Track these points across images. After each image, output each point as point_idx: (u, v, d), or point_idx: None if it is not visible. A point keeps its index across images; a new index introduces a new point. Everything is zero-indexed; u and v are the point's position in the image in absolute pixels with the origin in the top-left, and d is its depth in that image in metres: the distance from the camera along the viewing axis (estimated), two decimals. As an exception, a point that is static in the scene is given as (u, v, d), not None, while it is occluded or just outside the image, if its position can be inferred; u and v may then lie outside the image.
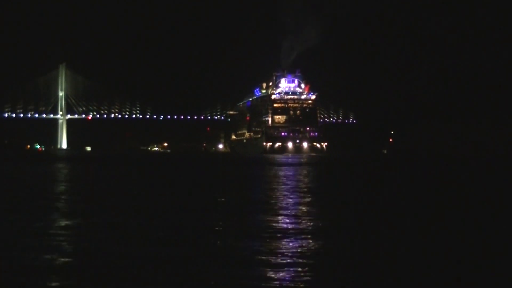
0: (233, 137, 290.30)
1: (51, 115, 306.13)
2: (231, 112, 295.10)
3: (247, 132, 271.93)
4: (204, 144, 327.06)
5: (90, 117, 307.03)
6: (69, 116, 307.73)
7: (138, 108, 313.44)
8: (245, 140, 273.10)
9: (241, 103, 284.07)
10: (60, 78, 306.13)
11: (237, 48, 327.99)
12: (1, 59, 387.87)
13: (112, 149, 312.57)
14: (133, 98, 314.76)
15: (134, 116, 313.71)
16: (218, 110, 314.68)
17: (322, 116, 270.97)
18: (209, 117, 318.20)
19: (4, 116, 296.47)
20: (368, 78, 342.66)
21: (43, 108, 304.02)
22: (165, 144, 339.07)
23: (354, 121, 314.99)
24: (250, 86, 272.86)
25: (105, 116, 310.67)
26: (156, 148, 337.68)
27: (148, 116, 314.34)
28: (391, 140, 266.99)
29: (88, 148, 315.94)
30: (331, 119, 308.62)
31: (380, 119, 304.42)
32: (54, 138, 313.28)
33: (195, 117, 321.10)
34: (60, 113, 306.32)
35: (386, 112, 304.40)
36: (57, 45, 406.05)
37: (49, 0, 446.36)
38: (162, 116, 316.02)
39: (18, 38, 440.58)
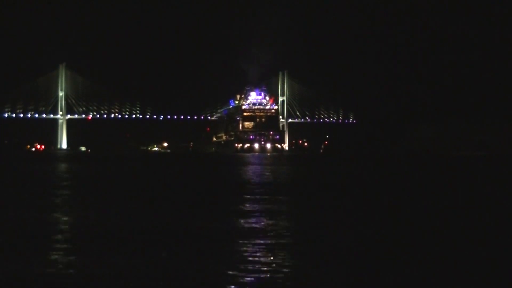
0: (214, 139, 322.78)
1: (51, 115, 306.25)
2: (212, 118, 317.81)
3: (224, 135, 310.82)
4: (191, 145, 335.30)
5: (90, 117, 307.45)
6: (69, 116, 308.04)
7: (138, 108, 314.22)
8: (222, 142, 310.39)
9: (219, 111, 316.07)
10: (60, 78, 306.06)
11: (229, 56, 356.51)
12: (1, 59, 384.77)
13: (112, 149, 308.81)
14: (133, 98, 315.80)
15: (134, 116, 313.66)
16: (218, 110, 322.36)
17: (283, 120, 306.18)
18: (209, 117, 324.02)
19: (4, 116, 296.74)
20: (369, 78, 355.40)
21: (43, 108, 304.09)
22: (165, 144, 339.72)
23: (354, 121, 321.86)
24: (227, 96, 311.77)
25: (105, 116, 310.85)
26: (156, 148, 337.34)
27: (148, 116, 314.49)
28: (326, 142, 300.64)
29: (83, 148, 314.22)
30: (331, 119, 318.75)
31: (380, 119, 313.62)
32: (54, 138, 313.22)
33: (195, 117, 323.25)
34: (60, 113, 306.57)
35: (387, 112, 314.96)
36: (57, 45, 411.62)
37: (50, 0, 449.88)
38: (162, 116, 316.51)
39: (18, 38, 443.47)
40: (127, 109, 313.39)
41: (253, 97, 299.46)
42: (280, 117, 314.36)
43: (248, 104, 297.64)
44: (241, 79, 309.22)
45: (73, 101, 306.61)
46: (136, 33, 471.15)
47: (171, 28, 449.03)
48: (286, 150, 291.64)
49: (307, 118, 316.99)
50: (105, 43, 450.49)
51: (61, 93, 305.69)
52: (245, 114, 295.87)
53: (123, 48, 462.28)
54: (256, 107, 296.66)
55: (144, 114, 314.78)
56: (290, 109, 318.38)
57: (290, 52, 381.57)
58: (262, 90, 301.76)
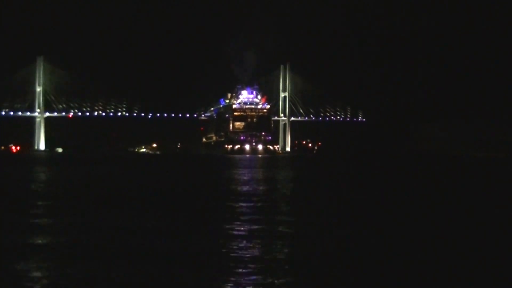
0: (204, 139, 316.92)
1: (28, 113, 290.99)
2: (202, 118, 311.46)
3: (214, 136, 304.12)
4: (179, 145, 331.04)
5: (71, 115, 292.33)
6: (47, 114, 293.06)
7: (124, 106, 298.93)
8: (213, 143, 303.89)
9: (209, 110, 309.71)
10: (37, 72, 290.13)
11: (223, 52, 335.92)
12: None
13: (96, 150, 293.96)
14: (118, 95, 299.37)
15: (120, 114, 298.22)
16: (209, 109, 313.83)
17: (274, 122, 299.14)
18: (203, 115, 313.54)
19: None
20: (378, 74, 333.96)
21: (19, 105, 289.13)
22: (154, 145, 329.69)
23: (363, 119, 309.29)
24: (218, 94, 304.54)
25: (88, 114, 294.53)
26: (144, 150, 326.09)
27: (135, 114, 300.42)
28: (319, 143, 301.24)
29: (60, 150, 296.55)
30: (338, 117, 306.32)
31: (390, 118, 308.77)
32: (31, 138, 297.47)
33: (187, 115, 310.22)
34: (38, 110, 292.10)
35: (397, 111, 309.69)
36: (35, 36, 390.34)
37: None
38: (151, 114, 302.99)
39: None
40: (112, 106, 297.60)
41: (245, 96, 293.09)
42: (282, 115, 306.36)
43: (239, 103, 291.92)
44: (233, 77, 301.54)
45: (52, 97, 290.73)
46: (123, 24, 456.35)
47: (160, 20, 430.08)
48: (279, 151, 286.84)
49: (311, 116, 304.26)
50: (88, 34, 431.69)
51: (38, 89, 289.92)
52: (235, 113, 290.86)
53: (108, 40, 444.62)
54: (247, 106, 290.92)
55: (131, 112, 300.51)
56: (292, 107, 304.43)
57: (292, 44, 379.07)
58: (254, 89, 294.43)
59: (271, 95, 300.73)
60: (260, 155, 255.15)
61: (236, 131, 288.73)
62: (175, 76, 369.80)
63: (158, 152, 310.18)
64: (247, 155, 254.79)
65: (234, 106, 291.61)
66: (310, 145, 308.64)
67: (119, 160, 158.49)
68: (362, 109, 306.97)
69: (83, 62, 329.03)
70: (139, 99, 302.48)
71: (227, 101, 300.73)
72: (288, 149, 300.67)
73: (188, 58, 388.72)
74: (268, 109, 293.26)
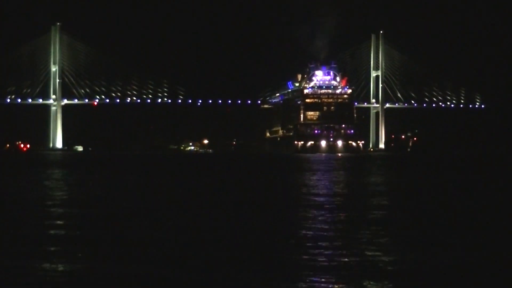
0: (267, 134, 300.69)
1: (40, 100, 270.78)
2: (265, 106, 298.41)
3: (281, 129, 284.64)
4: (234, 142, 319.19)
5: (96, 102, 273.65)
6: (65, 101, 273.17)
7: (165, 90, 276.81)
8: (278, 138, 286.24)
9: (274, 96, 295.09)
10: (52, 46, 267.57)
11: (277, 30, 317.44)
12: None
13: (127, 148, 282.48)
14: (157, 75, 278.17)
15: (160, 100, 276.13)
16: (272, 95, 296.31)
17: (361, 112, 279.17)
18: (270, 101, 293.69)
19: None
20: (502, 47, 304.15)
21: (29, 90, 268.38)
22: (206, 142, 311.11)
23: (482, 106, 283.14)
24: (285, 76, 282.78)
25: (118, 100, 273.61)
26: (192, 148, 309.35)
27: (180, 101, 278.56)
28: (415, 138, 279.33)
29: (80, 148, 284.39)
30: (447, 103, 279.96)
31: None
32: (45, 134, 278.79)
33: (248, 101, 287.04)
34: (53, 97, 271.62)
35: None
36: (50, 1, 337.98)
37: None
38: (200, 101, 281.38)
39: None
40: (150, 91, 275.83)
41: (319, 77, 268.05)
42: (373, 101, 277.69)
43: (312, 87, 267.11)
44: (305, 53, 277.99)
45: (72, 79, 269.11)
46: None
47: None
48: (370, 149, 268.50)
49: (412, 101, 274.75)
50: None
51: (54, 68, 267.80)
52: (307, 100, 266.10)
53: (144, 5, 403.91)
54: (322, 91, 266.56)
55: (174, 98, 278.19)
56: (387, 89, 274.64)
57: (384, 7, 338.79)
58: (331, 68, 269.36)
59: (355, 75, 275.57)
60: (339, 154, 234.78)
61: (308, 123, 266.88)
62: (230, 53, 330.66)
63: (210, 151, 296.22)
64: (323, 154, 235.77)
65: (305, 91, 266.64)
66: (415, 139, 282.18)
67: (158, 162, 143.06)
68: (480, 92, 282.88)
69: (111, 33, 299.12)
70: (185, 81, 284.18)
71: (297, 84, 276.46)
72: (382, 145, 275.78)
73: (246, 29, 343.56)
74: (349, 94, 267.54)
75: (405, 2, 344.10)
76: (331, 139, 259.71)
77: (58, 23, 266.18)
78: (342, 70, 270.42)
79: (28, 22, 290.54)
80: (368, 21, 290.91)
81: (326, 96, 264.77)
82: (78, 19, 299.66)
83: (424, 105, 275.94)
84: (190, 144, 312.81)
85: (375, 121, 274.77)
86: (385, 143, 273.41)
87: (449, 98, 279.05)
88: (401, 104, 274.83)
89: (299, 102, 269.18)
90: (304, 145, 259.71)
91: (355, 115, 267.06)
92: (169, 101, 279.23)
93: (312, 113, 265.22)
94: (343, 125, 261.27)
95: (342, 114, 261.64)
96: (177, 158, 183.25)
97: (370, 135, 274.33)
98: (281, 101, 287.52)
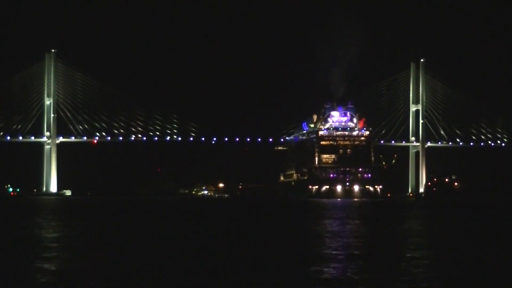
0: (282, 178, 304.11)
1: (32, 138, 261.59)
2: (279, 148, 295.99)
3: (295, 173, 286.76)
4: (240, 186, 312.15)
5: (96, 140, 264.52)
6: (61, 139, 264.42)
7: (175, 126, 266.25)
8: (293, 183, 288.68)
9: (289, 138, 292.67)
10: (46, 76, 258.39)
11: (294, 70, 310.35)
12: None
13: (132, 193, 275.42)
14: (166, 109, 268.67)
15: (168, 138, 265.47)
16: (287, 136, 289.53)
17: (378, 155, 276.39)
18: (289, 138, 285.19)
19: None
20: None
21: (19, 126, 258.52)
22: (221, 185, 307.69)
23: None
24: (302, 116, 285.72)
25: (121, 138, 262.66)
26: (206, 192, 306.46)
27: (191, 139, 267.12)
28: (429, 183, 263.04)
29: (68, 192, 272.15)
30: (498, 141, 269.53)
31: None
32: (38, 176, 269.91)
33: (270, 139, 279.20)
34: (47, 134, 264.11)
35: None
36: (43, 27, 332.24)
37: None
38: (215, 139, 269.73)
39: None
40: (158, 127, 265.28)
41: (335, 118, 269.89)
42: (413, 138, 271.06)
43: (328, 128, 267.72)
44: (323, 92, 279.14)
45: (68, 113, 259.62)
46: (170, 17, 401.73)
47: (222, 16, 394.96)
48: (409, 194, 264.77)
49: (457, 140, 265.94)
50: (118, 26, 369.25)
51: (48, 101, 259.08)
52: (323, 142, 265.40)
53: (150, 31, 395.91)
54: (338, 132, 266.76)
55: (185, 135, 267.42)
56: (428, 125, 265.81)
57: (421, 35, 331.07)
58: (347, 109, 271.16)
59: (391, 110, 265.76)
60: (356, 199, 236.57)
61: (323, 167, 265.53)
62: (246, 89, 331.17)
63: (226, 195, 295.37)
64: (339, 199, 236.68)
65: (320, 133, 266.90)
66: (455, 183, 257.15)
67: (165, 210, 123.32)
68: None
69: (112, 61, 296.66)
70: (197, 116, 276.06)
71: (312, 125, 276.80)
72: (422, 189, 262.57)
73: (261, 65, 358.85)
74: (367, 136, 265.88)
75: (449, 28, 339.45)
76: (347, 184, 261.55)
77: (53, 50, 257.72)
78: (359, 110, 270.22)
79: (20, 48, 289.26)
80: (405, 48, 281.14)
81: (342, 138, 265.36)
82: (76, 45, 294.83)
83: (471, 143, 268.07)
84: (204, 188, 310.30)
85: (414, 162, 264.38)
86: (425, 187, 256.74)
87: (499, 136, 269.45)
88: (445, 142, 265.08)
89: (314, 145, 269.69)
90: (319, 189, 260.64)
91: (373, 158, 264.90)
92: (179, 138, 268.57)
93: (327, 156, 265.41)
94: (360, 169, 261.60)
95: (359, 157, 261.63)
96: (188, 205, 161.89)
97: (409, 178, 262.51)
98: (296, 143, 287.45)
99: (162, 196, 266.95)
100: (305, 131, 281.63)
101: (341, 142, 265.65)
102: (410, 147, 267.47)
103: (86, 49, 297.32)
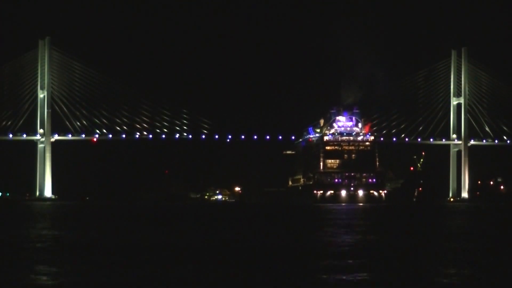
0: (290, 183, 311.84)
1: (24, 136, 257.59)
2: (287, 152, 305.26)
3: (302, 178, 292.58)
4: (240, 191, 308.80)
5: (95, 138, 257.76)
6: (56, 136, 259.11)
7: (185, 122, 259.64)
8: (300, 187, 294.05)
9: (297, 142, 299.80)
10: (40, 66, 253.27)
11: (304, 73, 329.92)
12: None
13: (137, 198, 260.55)
14: (175, 105, 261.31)
15: (178, 136, 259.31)
16: (296, 140, 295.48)
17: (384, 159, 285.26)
18: (308, 137, 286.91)
19: None
20: None
21: (9, 123, 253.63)
22: (237, 189, 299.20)
23: None
24: (308, 119, 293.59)
25: (124, 136, 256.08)
26: (220, 197, 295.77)
27: (204, 136, 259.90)
28: (420, 188, 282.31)
29: (53, 196, 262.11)
30: None
31: None
32: (31, 179, 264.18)
33: (293, 137, 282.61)
34: (40, 131, 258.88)
35: None
36: (36, 10, 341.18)
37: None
38: (230, 136, 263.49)
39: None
40: (166, 124, 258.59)
41: (341, 123, 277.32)
42: (454, 136, 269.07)
43: (333, 133, 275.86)
44: (334, 97, 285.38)
45: (64, 108, 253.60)
46: (185, 6, 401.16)
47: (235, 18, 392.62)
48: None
49: (504, 137, 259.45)
50: (124, 7, 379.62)
51: (42, 94, 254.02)
52: (327, 148, 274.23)
53: (157, 20, 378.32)
54: (343, 138, 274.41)
55: (196, 133, 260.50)
56: (472, 121, 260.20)
57: (464, 20, 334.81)
58: (353, 114, 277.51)
59: (430, 104, 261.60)
60: (360, 204, 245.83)
61: (328, 172, 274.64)
62: (252, 90, 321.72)
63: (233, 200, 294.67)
64: (343, 204, 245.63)
65: (325, 138, 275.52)
66: (502, 187, 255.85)
67: (174, 219, 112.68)
68: None
69: (114, 49, 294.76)
70: (210, 112, 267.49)
71: (317, 130, 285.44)
72: (465, 194, 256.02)
73: (270, 68, 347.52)
74: (372, 141, 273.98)
75: (494, 11, 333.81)
76: (352, 189, 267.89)
77: (47, 37, 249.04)
78: (365, 115, 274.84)
79: (10, 35, 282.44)
80: (446, 34, 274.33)
81: (347, 144, 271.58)
82: (73, 32, 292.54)
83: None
84: (217, 192, 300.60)
85: (455, 162, 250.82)
86: (469, 189, 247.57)
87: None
88: (490, 140, 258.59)
89: (319, 150, 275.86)
90: (323, 194, 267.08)
91: (377, 163, 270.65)
92: (190, 136, 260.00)
93: (332, 161, 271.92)
94: (364, 174, 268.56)
95: (363, 162, 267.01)
96: (201, 212, 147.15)
97: (450, 181, 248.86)
98: (302, 148, 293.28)
99: (170, 201, 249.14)
100: (311, 136, 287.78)
101: (346, 147, 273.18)
102: (451, 146, 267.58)
103: (85, 35, 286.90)
